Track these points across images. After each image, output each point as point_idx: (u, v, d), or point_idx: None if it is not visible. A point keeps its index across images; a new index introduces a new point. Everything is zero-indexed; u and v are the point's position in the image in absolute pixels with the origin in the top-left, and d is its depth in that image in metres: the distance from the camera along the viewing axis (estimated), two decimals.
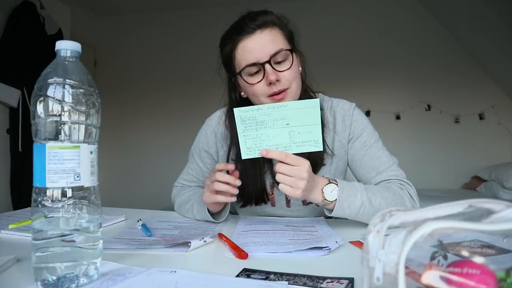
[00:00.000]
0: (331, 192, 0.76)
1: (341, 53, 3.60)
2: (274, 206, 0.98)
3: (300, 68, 0.92)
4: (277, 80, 0.83)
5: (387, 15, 3.62)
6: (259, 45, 0.83)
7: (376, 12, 3.64)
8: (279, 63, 0.85)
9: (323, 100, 0.99)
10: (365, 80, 3.62)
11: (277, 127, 0.74)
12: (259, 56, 0.83)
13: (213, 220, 0.88)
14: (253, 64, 0.84)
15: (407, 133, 3.57)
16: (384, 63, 3.61)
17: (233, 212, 1.10)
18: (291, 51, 0.85)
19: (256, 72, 0.85)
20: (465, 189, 3.35)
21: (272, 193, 0.97)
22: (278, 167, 0.73)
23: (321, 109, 0.96)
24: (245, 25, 0.84)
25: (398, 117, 3.59)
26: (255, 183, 0.93)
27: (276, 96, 0.85)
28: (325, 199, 0.76)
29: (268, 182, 0.96)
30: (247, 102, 0.92)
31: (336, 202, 0.76)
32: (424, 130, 3.55)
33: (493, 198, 0.57)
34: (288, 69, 0.85)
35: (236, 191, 0.79)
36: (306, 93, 0.95)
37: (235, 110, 0.75)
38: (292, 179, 0.72)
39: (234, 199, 0.80)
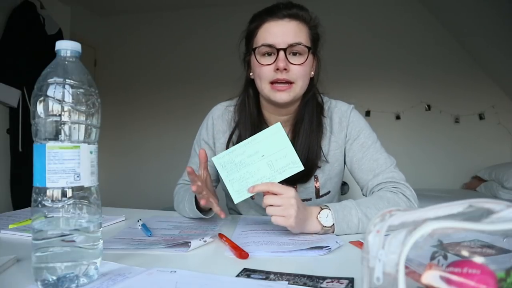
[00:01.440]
0: (326, 218, 0.77)
1: (341, 53, 3.60)
2: None
3: (313, 72, 0.94)
4: (285, 69, 0.85)
5: (387, 15, 3.62)
6: (282, 31, 0.86)
7: (376, 12, 3.64)
8: (294, 55, 0.87)
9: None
10: (365, 80, 3.62)
11: (255, 162, 0.75)
12: (278, 41, 0.85)
13: (204, 216, 0.89)
14: (269, 46, 0.86)
15: (407, 133, 3.57)
16: (384, 63, 3.61)
17: (234, 212, 1.10)
18: (309, 49, 0.87)
19: (269, 55, 0.87)
20: (465, 189, 3.35)
21: None
22: (266, 200, 0.72)
23: (322, 109, 0.97)
24: (277, 10, 0.87)
25: (398, 117, 3.60)
26: None
27: (279, 86, 0.86)
28: (324, 226, 0.76)
29: None
30: (254, 83, 0.94)
31: (335, 226, 0.76)
32: (424, 130, 3.55)
33: (493, 198, 0.57)
34: (300, 64, 0.86)
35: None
36: (314, 98, 0.95)
37: (214, 159, 0.76)
38: (281, 208, 0.71)
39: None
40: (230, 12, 3.66)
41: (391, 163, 0.92)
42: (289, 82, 0.87)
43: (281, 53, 0.84)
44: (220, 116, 1.03)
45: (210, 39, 3.86)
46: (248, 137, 0.80)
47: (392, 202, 0.82)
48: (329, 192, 0.99)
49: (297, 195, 0.74)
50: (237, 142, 0.95)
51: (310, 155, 0.92)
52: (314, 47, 0.91)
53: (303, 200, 0.97)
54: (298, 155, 0.77)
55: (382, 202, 0.82)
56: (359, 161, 0.94)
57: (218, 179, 1.06)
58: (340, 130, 0.96)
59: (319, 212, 0.77)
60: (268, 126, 0.98)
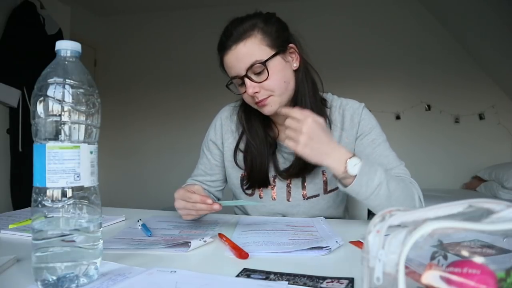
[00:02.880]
0: (354, 166, 0.76)
1: (341, 54, 3.60)
2: (275, 200, 0.99)
3: (295, 64, 0.91)
4: (256, 92, 0.86)
5: (387, 15, 3.62)
6: (235, 60, 0.86)
7: (376, 12, 3.64)
8: (258, 73, 0.86)
9: (332, 99, 1.01)
10: (365, 80, 3.62)
11: None
12: (237, 71, 0.87)
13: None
14: (235, 77, 0.88)
15: (407, 133, 3.57)
16: (384, 63, 3.61)
17: (241, 212, 1.11)
18: (264, 63, 0.84)
19: (242, 84, 0.88)
20: (465, 189, 3.35)
21: (274, 186, 0.99)
22: (286, 122, 0.77)
23: (330, 108, 0.99)
24: (223, 42, 0.88)
25: (398, 117, 3.60)
26: (259, 171, 0.96)
27: (259, 103, 0.89)
28: (347, 172, 0.76)
29: (271, 174, 0.98)
30: None
31: (356, 176, 0.75)
32: (424, 130, 3.55)
33: (493, 198, 0.57)
34: (266, 79, 0.86)
35: (216, 207, 0.78)
36: (305, 82, 0.94)
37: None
38: (293, 132, 0.75)
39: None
40: (230, 12, 3.65)
41: (401, 163, 0.93)
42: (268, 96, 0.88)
43: (246, 80, 0.86)
44: (229, 117, 1.05)
45: (211, 39, 3.82)
46: (255, 145, 0.92)
47: (409, 189, 0.83)
48: (337, 188, 0.99)
49: (314, 125, 0.75)
50: (246, 150, 0.98)
51: None
52: (278, 45, 0.86)
53: (312, 197, 0.98)
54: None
55: (403, 182, 0.83)
56: (368, 156, 0.93)
57: (226, 179, 1.08)
58: (351, 127, 0.97)
59: (350, 158, 0.76)
60: (276, 126, 1.00)
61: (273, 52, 0.86)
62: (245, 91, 0.88)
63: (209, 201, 0.76)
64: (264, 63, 0.84)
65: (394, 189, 0.79)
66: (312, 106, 0.92)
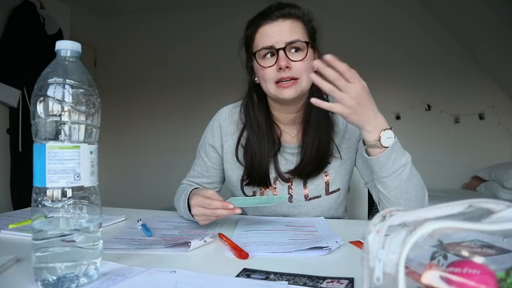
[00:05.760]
0: (387, 138, 0.78)
1: (341, 54, 3.58)
2: None
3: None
4: (287, 67, 0.86)
5: (387, 15, 3.62)
6: (277, 31, 0.87)
7: (376, 12, 3.64)
8: (293, 52, 0.88)
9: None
10: (365, 80, 3.60)
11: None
12: (275, 41, 0.87)
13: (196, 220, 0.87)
14: (269, 48, 0.88)
15: (407, 133, 3.57)
16: (384, 63, 3.61)
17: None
18: (307, 44, 0.88)
19: (271, 56, 0.89)
20: (465, 189, 3.35)
21: (275, 188, 0.98)
22: (329, 73, 0.74)
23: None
24: (270, 12, 0.89)
25: (398, 117, 3.59)
26: (259, 166, 0.95)
27: (284, 83, 0.87)
28: (380, 141, 0.78)
29: (272, 176, 0.98)
30: (260, 87, 0.95)
31: (387, 149, 0.78)
32: (424, 130, 3.55)
33: (493, 198, 0.57)
34: (301, 60, 0.87)
35: (238, 211, 0.77)
36: (319, 91, 0.96)
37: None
38: (343, 95, 0.74)
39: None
40: (230, 13, 3.66)
41: None
42: (294, 79, 0.88)
43: (281, 52, 0.86)
44: (227, 118, 1.03)
45: (211, 40, 3.86)
46: (256, 140, 0.91)
47: (424, 186, 0.86)
48: (339, 189, 0.99)
49: (363, 91, 0.76)
50: (246, 146, 0.97)
51: (321, 146, 0.93)
52: (312, 41, 0.92)
53: (313, 198, 0.98)
54: (309, 149, 0.88)
55: (420, 177, 0.85)
56: None
57: (223, 180, 1.08)
58: (354, 129, 0.97)
59: (385, 130, 0.78)
60: (279, 127, 0.99)
61: (311, 43, 0.91)
62: (271, 66, 0.88)
63: (231, 206, 0.75)
64: (307, 43, 0.88)
65: (414, 176, 0.82)
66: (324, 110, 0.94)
